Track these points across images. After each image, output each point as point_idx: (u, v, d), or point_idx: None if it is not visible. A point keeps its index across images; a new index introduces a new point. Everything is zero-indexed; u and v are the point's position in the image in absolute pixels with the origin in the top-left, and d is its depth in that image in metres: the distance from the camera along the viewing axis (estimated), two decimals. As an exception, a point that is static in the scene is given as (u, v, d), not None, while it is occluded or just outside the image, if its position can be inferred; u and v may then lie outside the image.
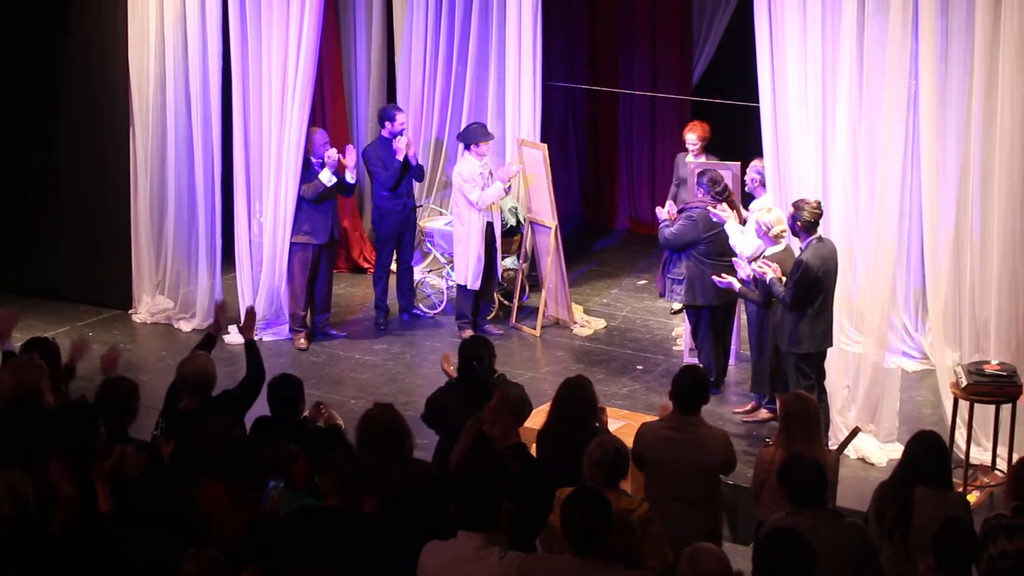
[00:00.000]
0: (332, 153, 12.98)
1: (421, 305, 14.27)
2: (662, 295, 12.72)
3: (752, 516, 8.69)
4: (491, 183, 13.16)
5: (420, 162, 13.99)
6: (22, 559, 6.22)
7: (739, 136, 14.14)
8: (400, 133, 13.49)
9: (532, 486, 7.32)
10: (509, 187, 13.43)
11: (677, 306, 13.10)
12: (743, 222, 11.60)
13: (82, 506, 6.65)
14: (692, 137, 13.53)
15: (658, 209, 12.20)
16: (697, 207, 11.74)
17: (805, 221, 10.13)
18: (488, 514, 6.28)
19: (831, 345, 10.48)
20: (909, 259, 12.13)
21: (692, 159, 13.25)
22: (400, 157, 13.42)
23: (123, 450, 6.97)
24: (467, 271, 13.32)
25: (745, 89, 12.49)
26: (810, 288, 10.13)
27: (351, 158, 13.21)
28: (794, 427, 7.97)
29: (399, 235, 13.88)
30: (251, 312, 9.71)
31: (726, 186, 11.85)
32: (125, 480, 6.85)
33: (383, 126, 13.67)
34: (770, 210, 10.74)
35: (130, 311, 14.20)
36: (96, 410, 7.52)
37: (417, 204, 14.75)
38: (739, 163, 12.30)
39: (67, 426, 7.18)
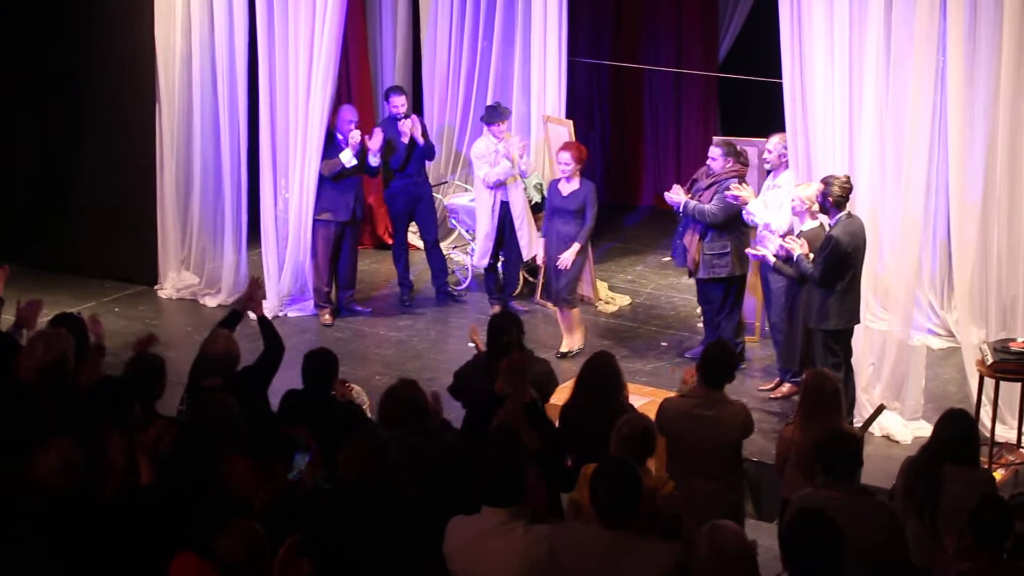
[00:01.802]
0: (356, 135, 12.97)
1: (448, 282, 14.22)
2: (692, 272, 12.41)
3: (776, 492, 8.70)
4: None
5: (431, 141, 13.93)
6: (73, 528, 6.26)
7: (765, 113, 14.08)
8: (397, 116, 13.46)
9: (549, 448, 7.36)
10: (525, 164, 13.28)
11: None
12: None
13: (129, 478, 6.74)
14: (566, 156, 12.43)
15: (670, 195, 11.94)
16: (732, 181, 11.69)
17: (836, 196, 10.09)
18: (511, 490, 6.30)
19: (859, 322, 10.46)
20: (935, 236, 12.07)
21: (565, 183, 12.43)
22: (405, 140, 13.40)
23: (160, 425, 7.04)
24: (477, 248, 13.43)
25: (772, 65, 12.44)
26: (840, 264, 10.11)
27: (377, 141, 13.16)
28: (811, 405, 7.98)
29: (411, 212, 13.88)
30: (257, 284, 9.55)
31: (744, 151, 11.88)
32: (157, 455, 6.89)
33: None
34: (809, 185, 10.66)
35: (156, 287, 14.27)
36: (130, 385, 7.58)
37: (442, 180, 14.77)
38: (765, 140, 12.25)
39: (109, 400, 7.26)
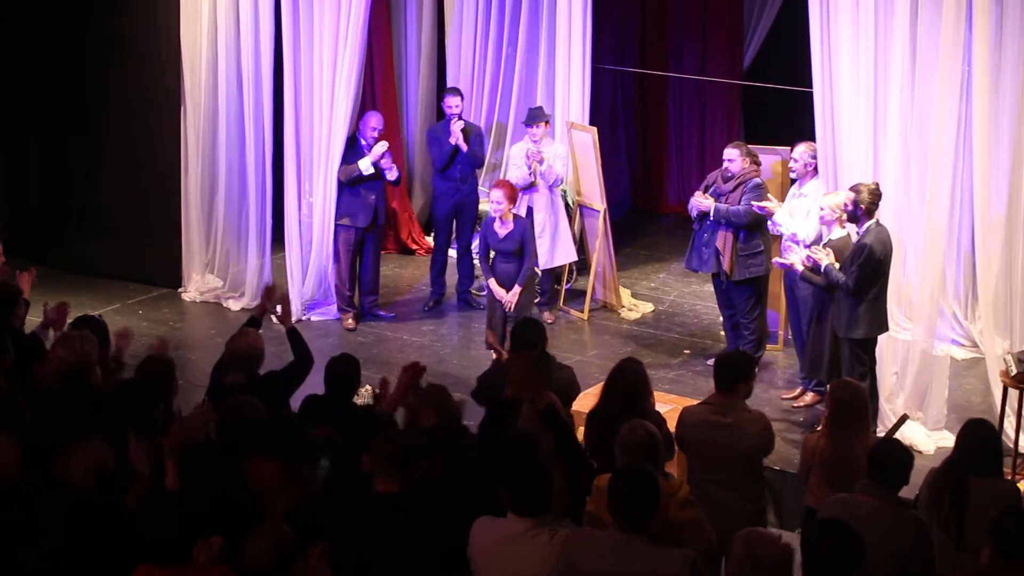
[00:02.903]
0: (380, 148, 13.00)
1: (471, 290, 14.20)
2: (727, 275, 12.28)
3: (798, 501, 8.68)
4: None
5: (482, 149, 13.98)
6: (99, 531, 6.29)
7: (789, 122, 14.08)
8: (451, 117, 13.52)
9: (566, 449, 7.37)
10: (545, 170, 13.26)
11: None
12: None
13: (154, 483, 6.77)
14: (498, 195, 12.05)
15: (698, 203, 11.94)
16: (755, 179, 11.69)
17: (868, 203, 10.06)
18: (539, 501, 6.32)
19: (887, 330, 10.43)
20: (960, 246, 12.05)
21: (499, 225, 12.12)
22: (452, 141, 13.45)
23: (184, 418, 7.09)
24: None
25: (796, 74, 12.45)
26: (873, 272, 10.08)
27: (388, 162, 13.14)
28: (842, 415, 7.93)
29: (453, 218, 13.92)
30: (284, 298, 9.51)
31: (755, 152, 11.90)
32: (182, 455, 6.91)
33: None
34: (837, 194, 10.61)
35: (179, 290, 14.29)
36: (152, 389, 7.61)
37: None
38: (788, 148, 12.23)
39: (133, 404, 7.29)
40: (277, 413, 7.40)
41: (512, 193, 12.15)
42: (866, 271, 10.07)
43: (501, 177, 14.57)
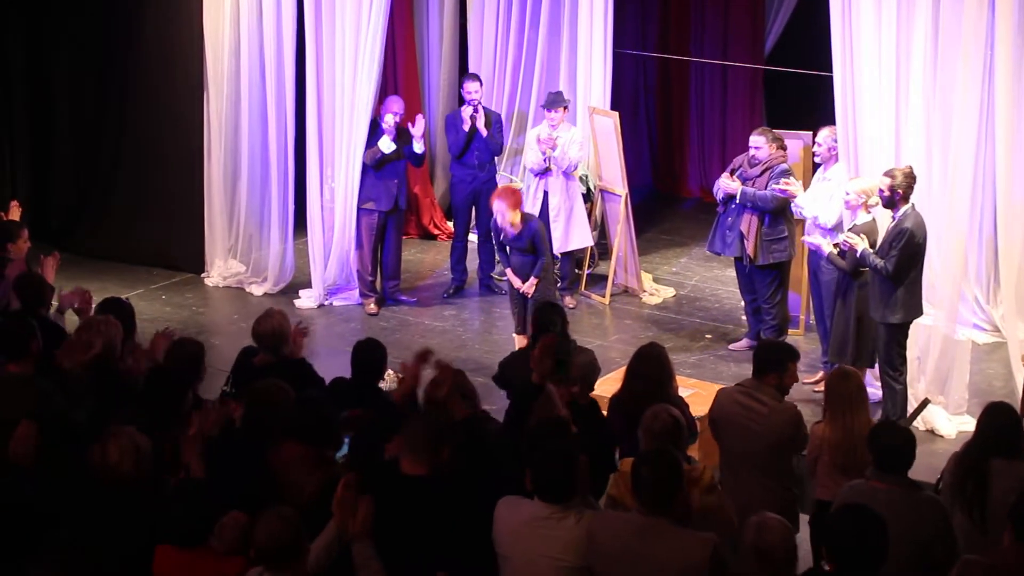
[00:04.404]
0: (389, 119, 13.00)
1: (493, 275, 14.20)
2: (751, 259, 12.28)
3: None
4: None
5: (500, 135, 13.95)
6: (136, 517, 6.34)
7: (811, 106, 14.05)
8: (470, 103, 13.53)
9: (596, 441, 7.38)
10: (558, 154, 13.28)
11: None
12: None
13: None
14: (500, 206, 11.66)
15: (725, 185, 11.92)
16: (782, 165, 11.68)
17: (904, 188, 9.98)
18: (566, 486, 6.34)
19: (922, 314, 10.38)
20: (982, 231, 12.03)
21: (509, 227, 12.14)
22: (466, 127, 13.46)
23: (204, 411, 7.10)
24: None
25: (818, 58, 12.43)
26: (912, 256, 10.02)
27: (419, 128, 13.17)
28: (837, 402, 7.93)
29: (471, 205, 13.95)
30: (300, 331, 9.35)
31: (780, 137, 11.86)
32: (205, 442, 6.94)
33: None
34: (863, 179, 10.56)
35: (202, 275, 14.32)
36: (186, 374, 7.64)
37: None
38: (811, 133, 12.21)
39: (164, 391, 7.34)
40: (304, 396, 7.42)
41: (514, 200, 11.70)
42: (906, 255, 10.00)
43: (521, 162, 14.63)
